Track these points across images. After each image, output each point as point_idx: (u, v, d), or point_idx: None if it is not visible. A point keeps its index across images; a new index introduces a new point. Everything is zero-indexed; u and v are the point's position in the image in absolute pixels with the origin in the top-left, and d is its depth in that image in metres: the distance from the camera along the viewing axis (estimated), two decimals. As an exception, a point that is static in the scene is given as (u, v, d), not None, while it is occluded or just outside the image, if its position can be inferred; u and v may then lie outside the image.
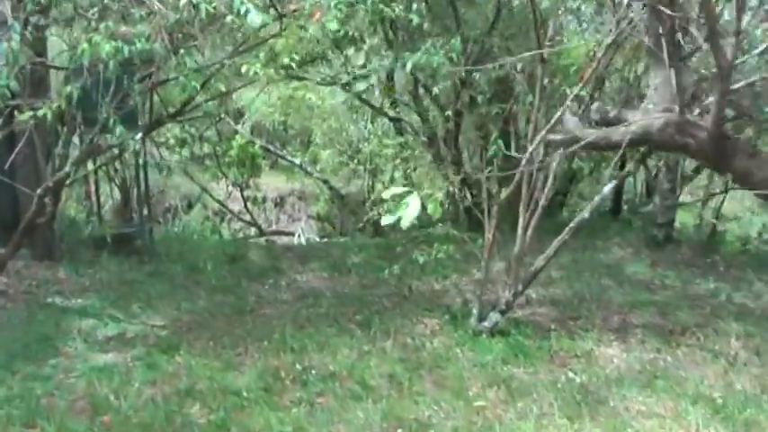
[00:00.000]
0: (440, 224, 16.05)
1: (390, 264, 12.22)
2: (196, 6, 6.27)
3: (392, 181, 18.55)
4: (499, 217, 9.08)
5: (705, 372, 8.44)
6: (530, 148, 8.69)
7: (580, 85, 8.56)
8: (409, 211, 3.85)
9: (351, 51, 14.45)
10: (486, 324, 9.19)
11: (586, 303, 10.68)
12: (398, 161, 18.25)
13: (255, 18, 6.20)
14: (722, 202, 14.18)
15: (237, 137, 18.85)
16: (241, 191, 19.57)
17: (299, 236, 19.23)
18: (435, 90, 9.51)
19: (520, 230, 9.11)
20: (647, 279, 11.92)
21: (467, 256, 12.03)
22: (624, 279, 11.85)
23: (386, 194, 4.04)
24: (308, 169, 20.25)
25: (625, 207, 16.21)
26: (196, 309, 10.15)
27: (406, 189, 3.97)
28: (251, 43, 9.94)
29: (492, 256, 9.30)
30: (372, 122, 19.79)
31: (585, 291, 11.18)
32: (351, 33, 13.20)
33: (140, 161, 12.32)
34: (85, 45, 6.16)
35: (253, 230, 20.11)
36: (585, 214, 9.23)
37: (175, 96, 12.82)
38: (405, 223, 3.89)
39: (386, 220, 3.98)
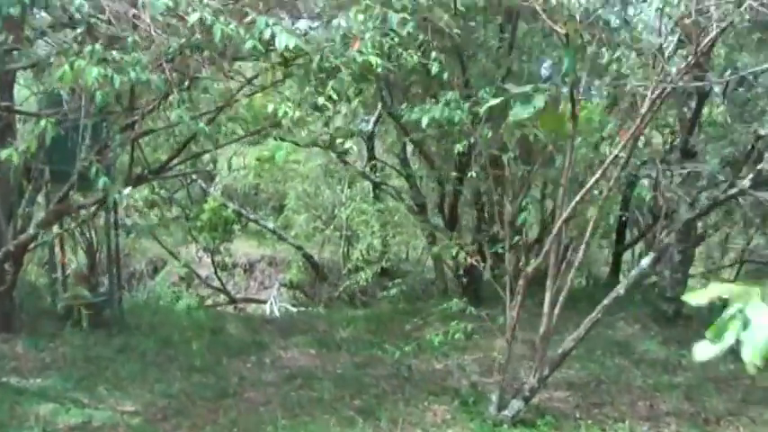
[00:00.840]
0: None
1: (381, 338, 11.04)
2: (208, 28, 4.93)
3: (369, 248, 17.22)
4: (524, 293, 7.75)
5: (754, 471, 7.26)
6: (562, 215, 7.46)
7: (621, 143, 7.36)
8: (761, 336, 1.99)
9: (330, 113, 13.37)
10: (506, 413, 7.87)
11: (606, 386, 9.45)
12: (377, 228, 17.03)
13: (287, 41, 4.87)
14: (737, 273, 12.95)
15: (210, 200, 17.43)
16: (211, 256, 18.10)
17: (271, 304, 17.74)
18: (461, 147, 8.10)
19: (546, 307, 7.82)
20: (663, 359, 10.63)
21: (466, 333, 10.82)
22: (638, 359, 10.57)
23: (696, 299, 2.18)
24: (282, 234, 18.88)
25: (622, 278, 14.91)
26: (172, 391, 8.68)
27: (738, 287, 2.11)
28: (234, 99, 8.52)
29: (515, 337, 7.95)
30: (350, 187, 18.50)
31: (601, 372, 9.92)
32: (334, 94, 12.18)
33: (111, 222, 10.80)
34: (67, 68, 4.74)
35: (222, 297, 18.62)
36: (621, 290, 7.94)
37: (149, 153, 11.51)
38: (752, 359, 1.88)
39: (703, 352, 1.98)
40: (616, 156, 7.29)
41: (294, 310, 17.73)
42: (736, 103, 11.07)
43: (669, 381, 9.72)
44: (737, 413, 8.64)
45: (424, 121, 7.72)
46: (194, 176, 18.36)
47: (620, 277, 14.44)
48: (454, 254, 8.16)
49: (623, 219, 13.97)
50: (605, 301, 7.94)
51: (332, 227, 18.59)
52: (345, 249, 18.49)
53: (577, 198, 7.36)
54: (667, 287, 11.86)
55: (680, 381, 9.74)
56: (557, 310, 7.85)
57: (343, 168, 17.80)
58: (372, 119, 15.78)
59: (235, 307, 18.94)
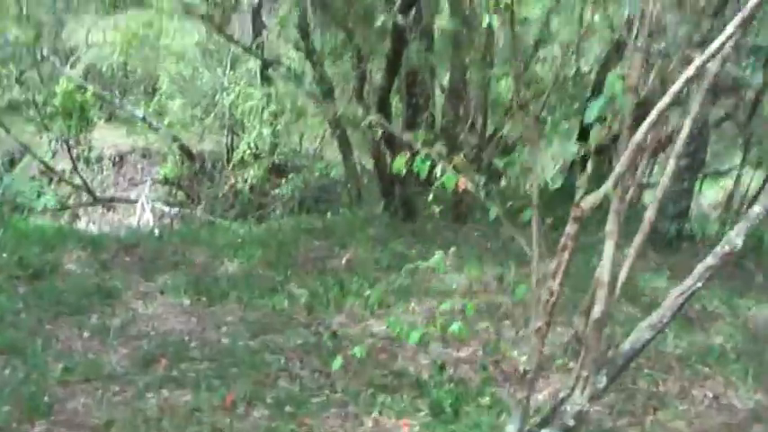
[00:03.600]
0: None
1: (284, 274, 6.99)
2: None
3: (258, 140, 12.93)
4: (574, 245, 3.69)
5: None
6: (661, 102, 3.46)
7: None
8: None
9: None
10: (533, 453, 3.89)
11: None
12: (266, 116, 12.75)
13: None
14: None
15: (62, 81, 12.63)
16: (68, 148, 13.36)
17: (142, 204, 13.27)
18: None
19: (605, 270, 3.81)
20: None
21: (397, 259, 6.88)
22: (650, 303, 6.54)
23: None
24: (153, 123, 14.28)
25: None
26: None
27: None
28: None
29: (552, 318, 3.87)
30: (233, 68, 14.00)
31: (612, 332, 5.90)
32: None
33: None
34: None
35: (84, 196, 14.01)
36: (738, 240, 3.90)
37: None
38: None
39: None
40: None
41: (170, 210, 13.36)
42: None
43: (709, 342, 5.94)
44: None
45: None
46: (44, 53, 13.56)
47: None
48: (426, 168, 3.87)
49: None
50: (710, 260, 3.93)
51: (212, 115, 14.17)
52: (229, 141, 14.12)
53: (696, 66, 3.32)
54: (668, 200, 7.73)
55: (720, 341, 5.97)
56: (623, 275, 3.93)
57: (225, 46, 13.35)
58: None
59: (102, 205, 14.46)
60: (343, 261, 7.36)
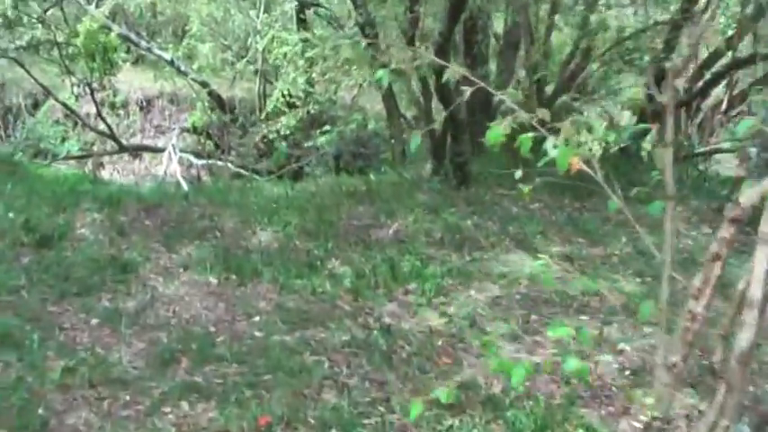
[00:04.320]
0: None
1: (324, 246, 6.03)
2: None
3: (294, 86, 11.89)
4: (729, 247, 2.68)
5: None
6: None
7: None
8: None
9: None
10: None
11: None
12: (302, 63, 11.71)
13: None
14: None
15: (85, 20, 11.56)
16: (92, 92, 12.33)
17: (170, 154, 12.30)
18: None
19: (755, 285, 2.74)
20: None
21: (451, 232, 6.06)
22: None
23: None
24: (181, 67, 13.23)
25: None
26: None
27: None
28: None
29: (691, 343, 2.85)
30: (267, 10, 12.92)
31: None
32: None
33: None
34: None
35: (110, 144, 13.04)
36: None
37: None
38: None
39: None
40: None
41: (198, 161, 12.40)
42: None
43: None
44: None
45: None
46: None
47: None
48: (529, 142, 2.77)
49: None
50: None
51: (244, 60, 13.12)
52: (262, 88, 13.08)
53: None
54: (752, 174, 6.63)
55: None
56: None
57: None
58: None
59: (129, 153, 13.53)
60: (391, 232, 6.44)
